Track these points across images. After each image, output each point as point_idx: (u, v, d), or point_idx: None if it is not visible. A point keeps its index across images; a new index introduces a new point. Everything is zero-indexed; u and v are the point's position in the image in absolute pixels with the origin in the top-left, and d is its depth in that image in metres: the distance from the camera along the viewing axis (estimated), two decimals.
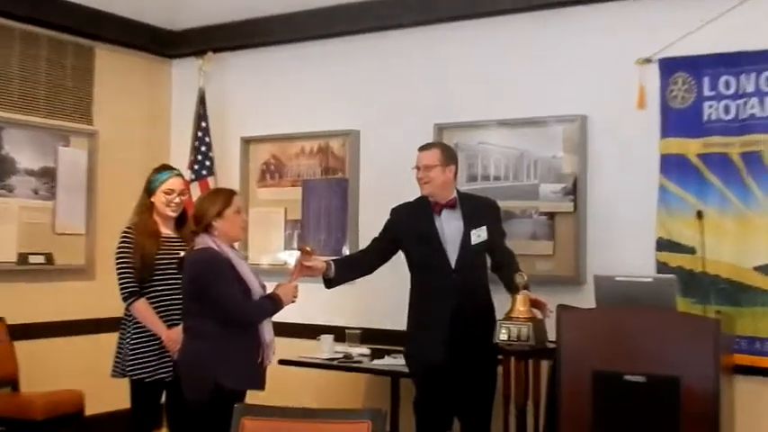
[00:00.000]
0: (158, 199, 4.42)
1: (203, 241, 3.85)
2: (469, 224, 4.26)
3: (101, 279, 5.78)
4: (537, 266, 4.93)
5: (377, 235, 4.45)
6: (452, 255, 4.21)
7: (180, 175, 4.54)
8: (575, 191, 4.89)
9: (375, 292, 5.31)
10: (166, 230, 4.44)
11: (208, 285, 3.75)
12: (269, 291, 3.95)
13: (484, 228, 4.27)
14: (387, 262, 4.42)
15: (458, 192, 4.38)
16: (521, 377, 4.12)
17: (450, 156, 4.35)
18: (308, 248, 4.17)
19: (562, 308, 4.11)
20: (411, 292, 4.35)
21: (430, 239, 4.24)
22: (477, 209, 4.33)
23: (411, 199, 4.42)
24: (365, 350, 5.13)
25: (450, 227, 4.26)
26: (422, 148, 4.36)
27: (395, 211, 4.45)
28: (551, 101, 4.98)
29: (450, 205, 4.30)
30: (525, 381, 4.15)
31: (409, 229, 4.31)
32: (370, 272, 4.44)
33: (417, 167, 4.30)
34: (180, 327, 4.21)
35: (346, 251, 5.56)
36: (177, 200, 4.42)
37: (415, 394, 4.36)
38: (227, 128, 6.20)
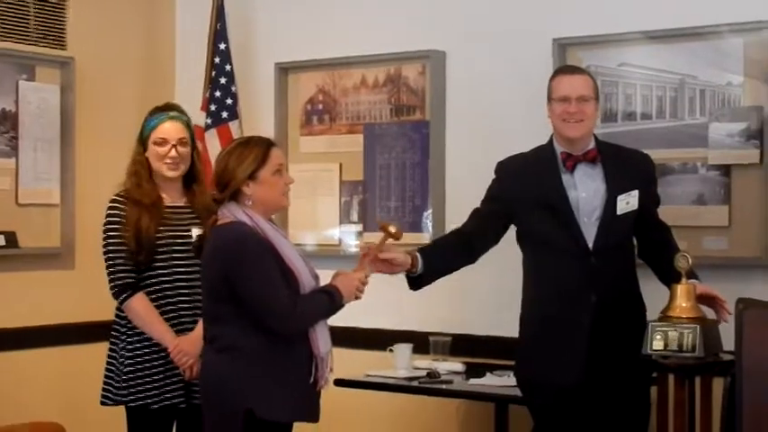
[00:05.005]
0: (150, 153, 4.51)
1: (231, 212, 3.91)
2: (616, 187, 4.24)
3: (83, 268, 5.89)
4: (705, 244, 4.91)
5: (478, 205, 4.44)
6: (590, 230, 4.21)
7: (177, 117, 4.60)
8: (761, 134, 4.84)
9: (471, 282, 5.30)
10: (171, 197, 4.54)
11: (239, 276, 3.80)
12: (323, 282, 4.00)
13: (635, 192, 4.26)
14: (496, 244, 4.42)
15: (596, 139, 4.35)
16: (683, 403, 4.11)
17: (598, 88, 4.36)
18: (391, 228, 4.04)
19: (744, 303, 4.06)
20: (526, 283, 4.36)
21: (557, 208, 4.22)
22: (626, 165, 4.32)
23: (523, 150, 4.43)
24: (457, 365, 5.16)
25: (587, 190, 4.25)
26: (569, 71, 4.33)
27: (504, 168, 4.43)
28: (725, 1, 4.91)
29: (590, 158, 4.27)
30: (690, 408, 4.14)
31: (527, 192, 4.29)
32: (473, 260, 4.42)
33: (566, 98, 4.20)
34: (194, 333, 4.30)
35: (428, 226, 5.59)
36: (173, 153, 4.50)
37: (533, 429, 4.39)
38: (255, 51, 6.24)
